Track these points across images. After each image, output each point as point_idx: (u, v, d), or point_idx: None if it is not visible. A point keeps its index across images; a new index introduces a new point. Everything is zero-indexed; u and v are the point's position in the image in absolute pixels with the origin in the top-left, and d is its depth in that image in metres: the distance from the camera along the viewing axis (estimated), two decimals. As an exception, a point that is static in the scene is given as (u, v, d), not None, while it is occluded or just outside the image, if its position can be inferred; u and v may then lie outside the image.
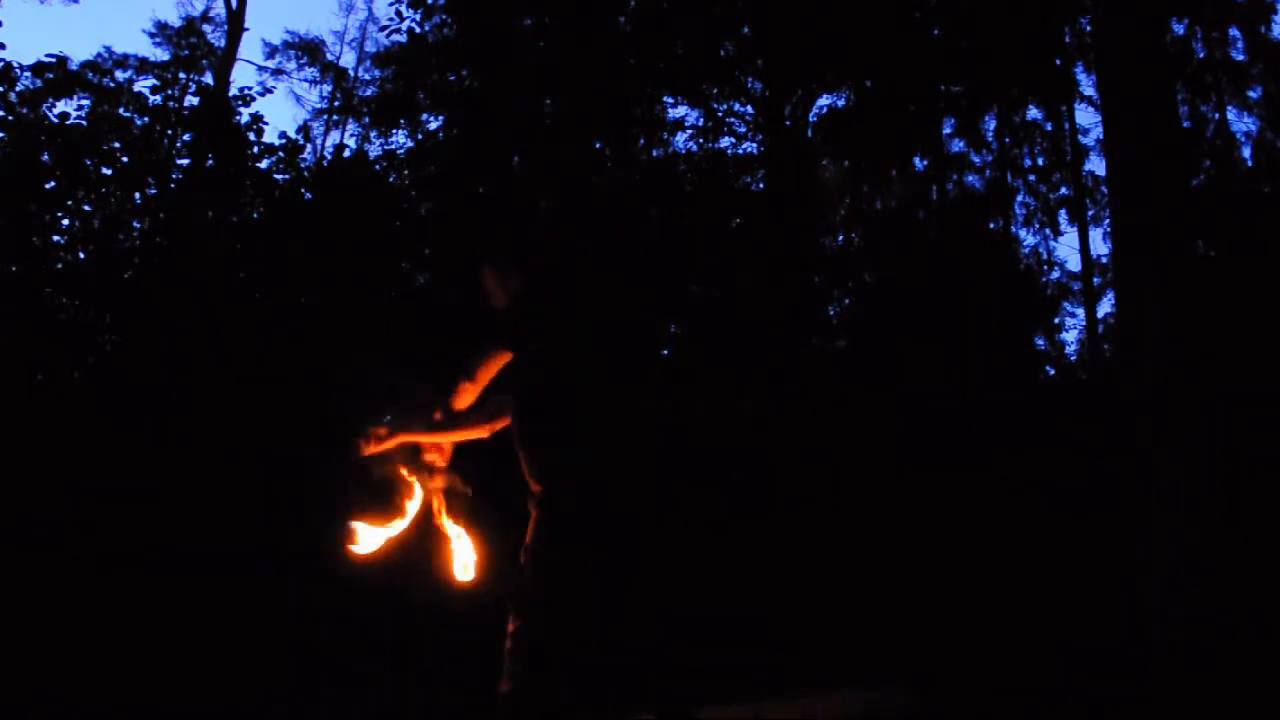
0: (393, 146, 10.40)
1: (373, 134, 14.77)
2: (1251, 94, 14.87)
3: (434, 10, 10.34)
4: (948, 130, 13.48)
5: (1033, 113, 14.22)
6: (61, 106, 6.88)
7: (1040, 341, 14.23)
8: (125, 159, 6.93)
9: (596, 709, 2.39)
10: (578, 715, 2.29)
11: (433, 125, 10.86)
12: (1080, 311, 16.32)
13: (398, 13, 10.19)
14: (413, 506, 2.49)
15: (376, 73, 18.77)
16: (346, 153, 10.40)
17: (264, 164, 7.42)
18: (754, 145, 11.19)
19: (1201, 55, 14.38)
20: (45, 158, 6.56)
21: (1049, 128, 14.43)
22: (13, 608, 4.64)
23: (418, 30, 10.32)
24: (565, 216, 2.97)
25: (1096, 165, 15.92)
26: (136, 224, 7.04)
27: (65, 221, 6.67)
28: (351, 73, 21.73)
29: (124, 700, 4.00)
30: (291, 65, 20.94)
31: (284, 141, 7.53)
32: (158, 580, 5.07)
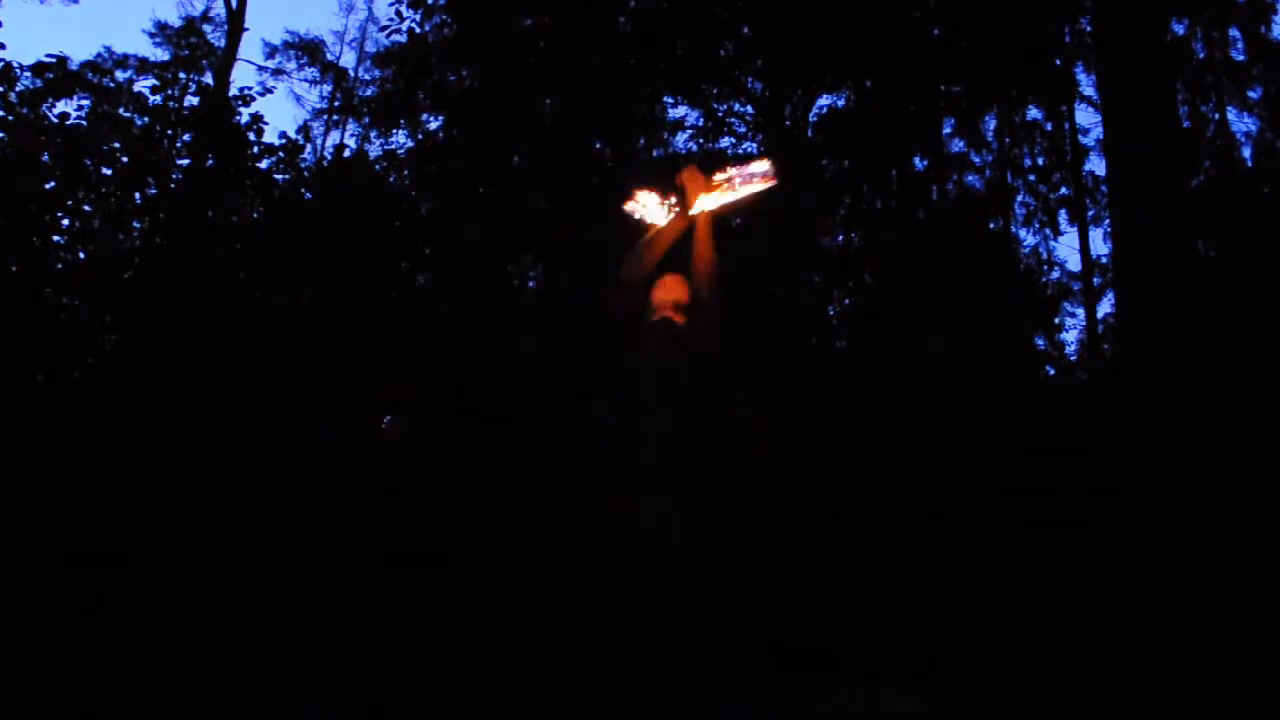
0: (393, 146, 10.42)
1: (373, 134, 14.80)
2: (1251, 94, 14.87)
3: (434, 10, 10.36)
4: (948, 130, 13.49)
5: (1033, 113, 14.23)
6: (61, 106, 6.87)
7: (1040, 341, 14.23)
8: (125, 159, 6.91)
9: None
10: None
11: (433, 125, 10.89)
12: (1080, 311, 16.34)
13: (398, 13, 10.21)
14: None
15: (376, 73, 18.80)
16: (346, 153, 10.39)
17: (264, 164, 7.41)
18: (754, 145, 11.21)
19: (1201, 55, 14.39)
20: (45, 158, 6.55)
21: (1049, 128, 14.43)
22: (12, 608, 4.64)
23: (418, 30, 10.34)
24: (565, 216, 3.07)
25: (1096, 165, 15.94)
26: (136, 224, 7.03)
27: (65, 221, 6.66)
28: (351, 73, 21.77)
29: (126, 704, 4.00)
30: (291, 65, 20.99)
31: (284, 141, 7.52)
32: (158, 581, 5.07)
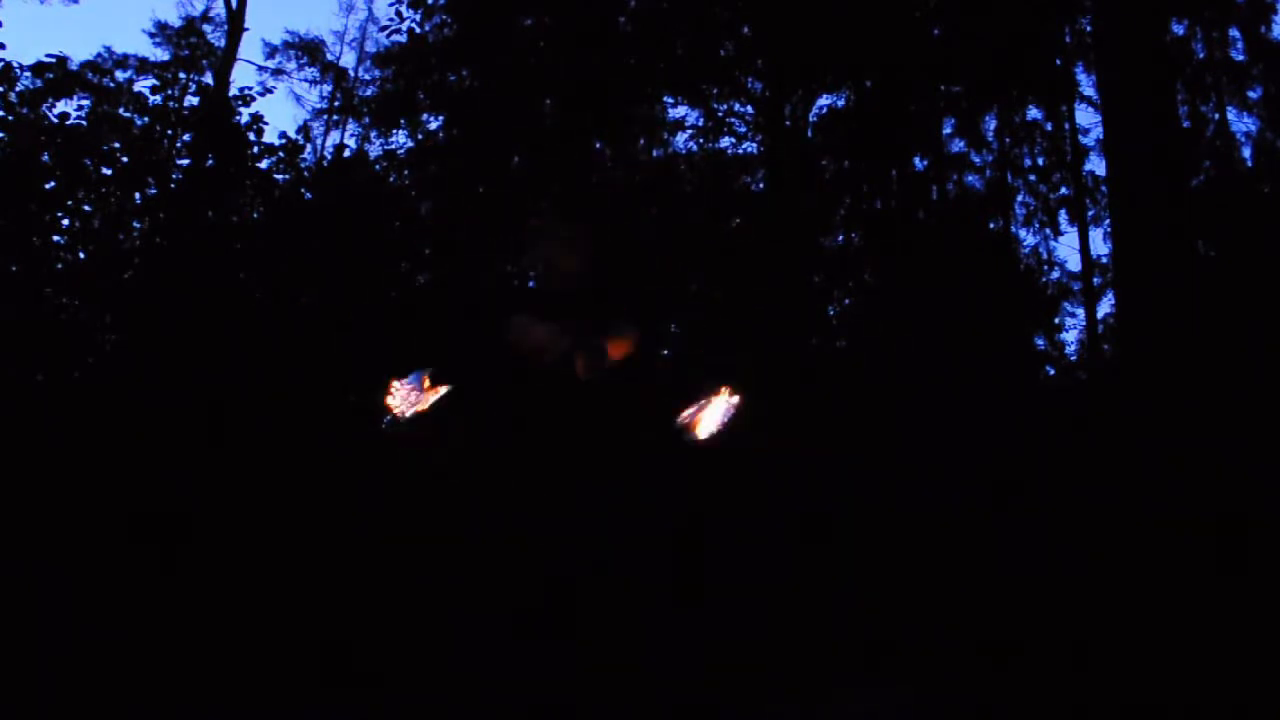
0: (393, 146, 10.43)
1: (373, 134, 14.81)
2: (1251, 94, 14.86)
3: (434, 10, 10.38)
4: (948, 130, 13.49)
5: (1033, 113, 14.22)
6: (61, 106, 6.87)
7: (1040, 341, 14.23)
8: (125, 159, 6.91)
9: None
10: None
11: (433, 125, 10.90)
12: (1080, 311, 16.33)
13: (398, 13, 10.22)
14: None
15: (376, 73, 18.77)
16: (347, 153, 10.40)
17: (264, 164, 7.41)
18: (754, 145, 11.22)
19: (1201, 55, 14.39)
20: (45, 158, 6.55)
21: (1049, 128, 14.43)
22: (13, 609, 4.64)
23: (418, 30, 10.36)
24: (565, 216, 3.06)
25: (1096, 165, 15.92)
26: (136, 224, 7.03)
27: (65, 221, 6.66)
28: (351, 73, 21.76)
29: (127, 704, 4.00)
30: (291, 65, 20.99)
31: (284, 141, 7.52)
32: (158, 582, 5.07)
